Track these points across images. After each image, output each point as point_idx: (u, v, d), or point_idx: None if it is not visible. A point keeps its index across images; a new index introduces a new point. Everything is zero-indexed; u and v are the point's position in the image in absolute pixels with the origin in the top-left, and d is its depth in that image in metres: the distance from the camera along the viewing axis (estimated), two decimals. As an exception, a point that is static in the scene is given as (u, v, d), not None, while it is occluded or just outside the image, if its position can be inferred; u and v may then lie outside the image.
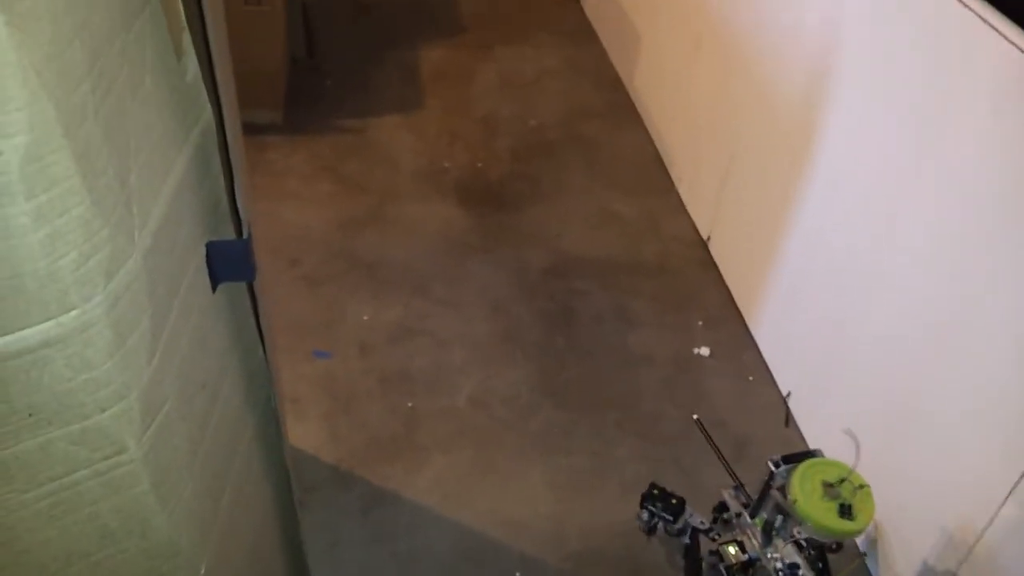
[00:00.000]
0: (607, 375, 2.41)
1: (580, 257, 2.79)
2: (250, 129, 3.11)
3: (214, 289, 1.01)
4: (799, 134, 2.20)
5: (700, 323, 2.60)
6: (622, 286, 2.69)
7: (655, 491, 1.76)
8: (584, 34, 3.89)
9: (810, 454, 1.54)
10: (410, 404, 2.29)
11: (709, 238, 2.84)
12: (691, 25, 2.86)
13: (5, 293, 0.67)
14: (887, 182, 1.89)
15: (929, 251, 1.76)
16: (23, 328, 0.68)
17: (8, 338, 0.68)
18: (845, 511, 1.42)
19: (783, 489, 1.50)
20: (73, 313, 0.70)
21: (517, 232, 2.86)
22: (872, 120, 1.94)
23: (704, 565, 1.70)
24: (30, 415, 0.72)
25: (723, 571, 1.62)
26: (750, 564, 1.60)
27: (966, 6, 1.60)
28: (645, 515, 1.76)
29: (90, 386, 0.73)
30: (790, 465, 1.51)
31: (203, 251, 0.97)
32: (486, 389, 2.34)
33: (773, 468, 1.52)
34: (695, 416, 2.27)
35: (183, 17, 0.91)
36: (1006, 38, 1.52)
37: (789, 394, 2.35)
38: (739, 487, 1.73)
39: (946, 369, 1.72)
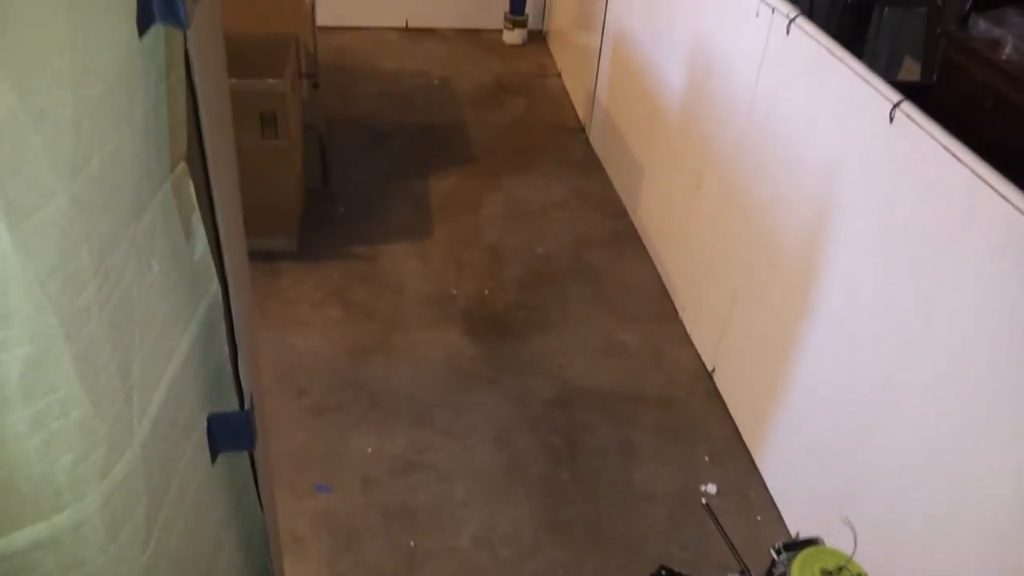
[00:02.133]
0: (612, 513, 2.37)
1: (584, 388, 2.79)
2: (264, 256, 3.17)
3: (213, 460, 1.02)
4: (800, 276, 2.23)
5: (706, 458, 2.57)
6: (627, 418, 2.68)
7: (663, 571, 1.80)
8: (590, 165, 3.99)
9: (811, 542, 1.56)
10: (412, 543, 2.25)
11: (714, 370, 2.84)
12: (693, 162, 2.94)
13: (-2, 497, 0.67)
14: (890, 326, 1.90)
15: (934, 392, 1.76)
16: (14, 531, 0.68)
17: (-1, 541, 0.69)
18: None
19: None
20: (65, 513, 0.70)
21: (522, 361, 2.87)
22: (872, 267, 1.96)
23: None
24: (18, 616, 0.72)
25: None
26: None
27: (964, 164, 1.64)
28: None
29: (80, 584, 0.73)
30: (791, 552, 1.54)
31: (204, 425, 0.98)
32: (489, 527, 2.30)
33: (775, 555, 1.56)
34: (703, 500, 2.23)
35: (194, 197, 0.94)
36: (1004, 198, 1.55)
37: (798, 535, 2.30)
38: (744, 571, 1.78)
39: (955, 508, 1.69)
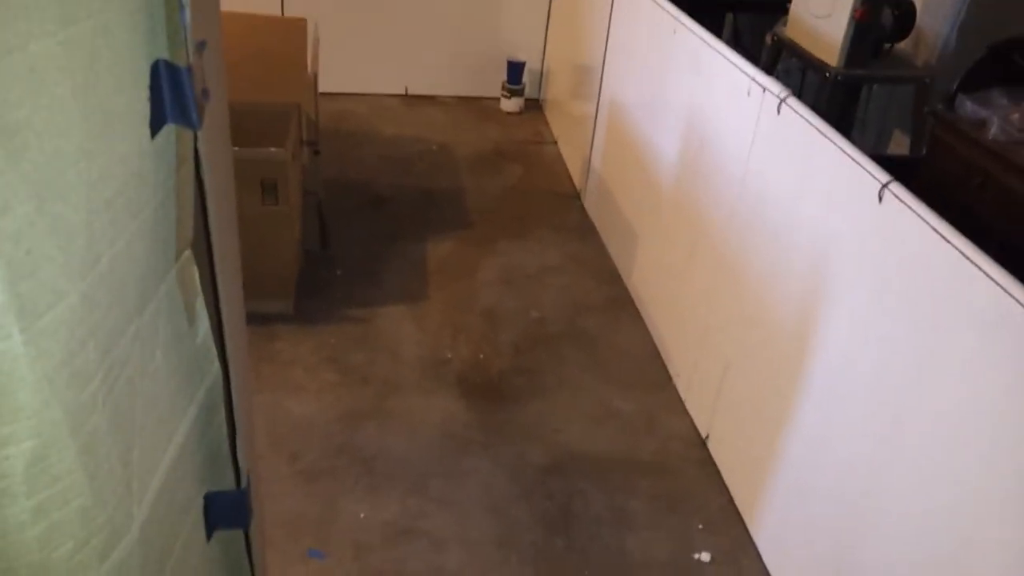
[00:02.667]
0: (606, 583, 2.36)
1: (579, 454, 2.80)
2: (260, 319, 3.20)
3: (209, 538, 1.03)
4: (792, 348, 2.26)
5: (700, 526, 2.56)
6: (621, 485, 2.68)
7: None
8: (585, 231, 4.05)
9: None
10: (403, 612, 2.23)
11: (708, 436, 2.85)
12: (686, 232, 2.99)
13: (-3, 586, 0.69)
14: (882, 401, 1.92)
15: (927, 466, 1.77)
16: (12, 620, 0.70)
17: (-4, 632, 0.70)
18: None
19: None
20: (64, 601, 0.71)
21: (517, 427, 2.88)
22: (865, 342, 1.99)
23: None
24: None
25: None
26: None
27: (952, 245, 1.68)
28: None
29: (74, 672, 0.74)
30: None
31: (200, 504, 0.99)
32: (481, 597, 2.29)
33: None
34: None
35: (198, 283, 0.97)
36: (991, 279, 1.59)
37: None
38: None
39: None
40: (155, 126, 0.78)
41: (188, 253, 0.93)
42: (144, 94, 0.76)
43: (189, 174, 0.89)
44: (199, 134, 0.85)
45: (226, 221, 1.06)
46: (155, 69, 0.77)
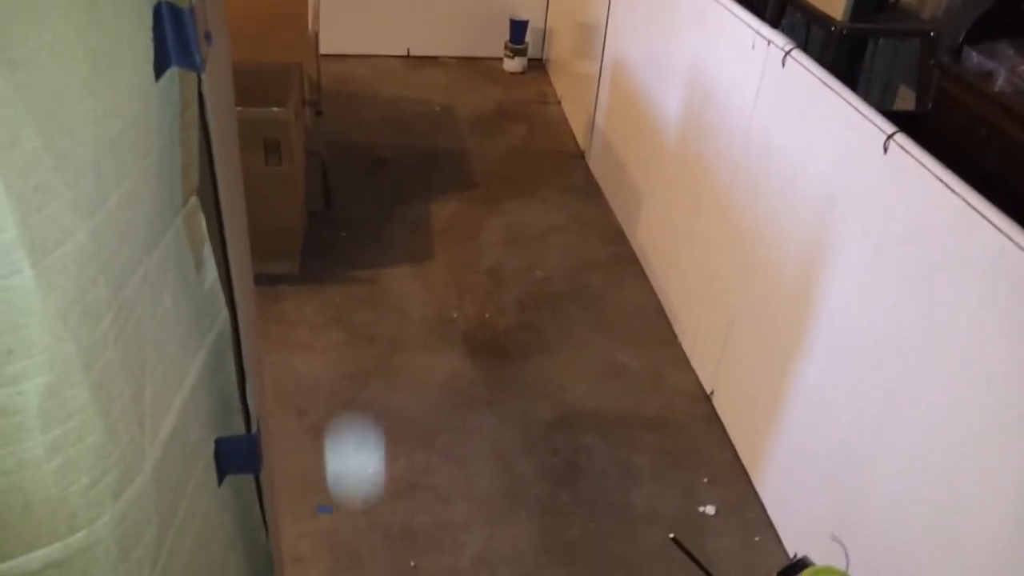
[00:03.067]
0: (611, 535, 2.39)
1: (584, 410, 2.82)
2: (266, 280, 3.21)
3: (220, 482, 1.05)
4: (797, 301, 2.26)
5: (705, 480, 2.59)
6: (626, 441, 2.70)
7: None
8: (589, 190, 4.04)
9: (802, 563, 1.64)
10: (413, 563, 2.27)
11: (713, 392, 2.86)
12: (691, 188, 2.98)
13: (13, 519, 0.70)
14: (886, 351, 1.93)
15: (931, 415, 1.79)
16: (28, 552, 0.71)
17: (12, 563, 0.71)
18: None
19: None
20: (80, 535, 0.73)
21: (523, 384, 2.90)
22: (869, 293, 2.00)
23: None
24: (30, 634, 0.75)
25: None
26: None
27: (957, 194, 1.68)
28: None
29: (91, 604, 0.76)
30: None
31: (211, 448, 1.01)
32: (489, 549, 2.32)
33: None
34: (671, 535, 2.26)
35: (205, 230, 0.98)
36: (996, 227, 1.59)
37: (795, 556, 2.32)
38: None
39: (952, 530, 1.71)
40: (159, 68, 0.79)
41: (194, 199, 0.94)
42: (147, 35, 0.77)
43: (193, 118, 0.89)
44: (203, 77, 0.85)
45: (231, 169, 1.06)
46: (158, 10, 0.77)
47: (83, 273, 0.69)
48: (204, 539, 0.98)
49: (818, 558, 2.20)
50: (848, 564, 1.56)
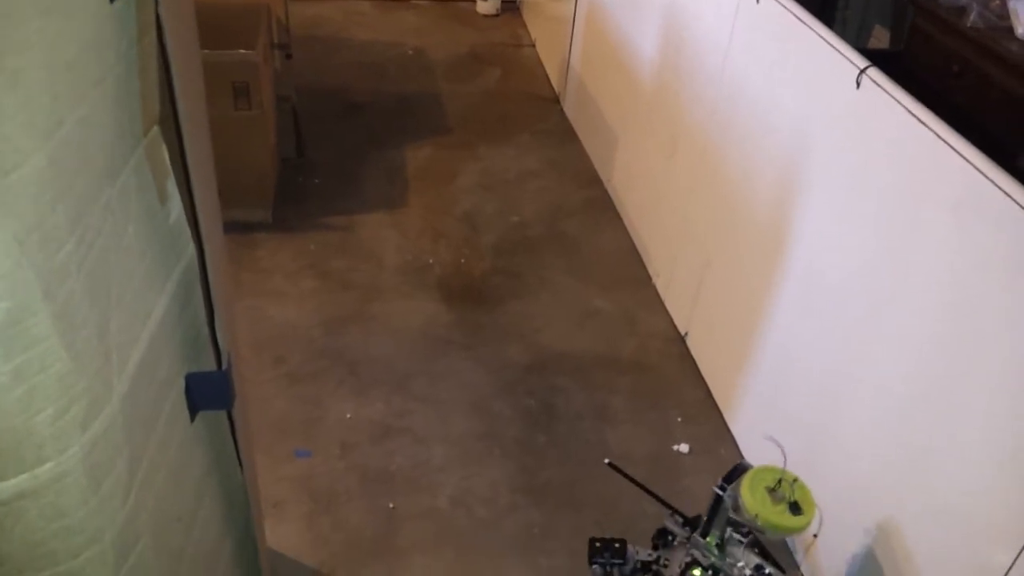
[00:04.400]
0: (586, 474, 2.42)
1: (560, 353, 2.83)
2: (239, 227, 3.18)
3: (192, 418, 1.04)
4: (770, 240, 2.27)
5: (679, 419, 2.62)
6: (601, 382, 2.73)
7: (597, 544, 1.94)
8: (564, 135, 4.01)
9: (742, 467, 1.74)
10: (391, 504, 2.29)
11: (687, 334, 2.89)
12: (666, 130, 2.97)
13: (-18, 449, 0.70)
14: (858, 286, 1.95)
15: (901, 350, 1.81)
16: (-2, 482, 0.71)
17: (-17, 492, 0.71)
18: (795, 507, 1.65)
19: (737, 510, 1.70)
20: (48, 465, 0.72)
21: (498, 328, 2.91)
22: (841, 229, 2.01)
23: None
24: (0, 565, 0.74)
25: None
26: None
27: (928, 128, 1.68)
28: (598, 570, 1.95)
29: (63, 534, 0.75)
30: (733, 483, 1.72)
31: (182, 383, 1.00)
32: (466, 489, 2.35)
33: (720, 492, 1.73)
34: (607, 460, 2.31)
35: (168, 162, 0.96)
36: (966, 159, 1.59)
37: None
38: (675, 512, 1.96)
39: (926, 472, 1.75)
40: (113, -11, 0.76)
41: (156, 130, 0.92)
42: (100, -46, 0.74)
43: (152, 45, 0.87)
44: (160, 1, 0.83)
45: (194, 102, 1.04)
46: (109, -73, 0.75)
47: (41, 198, 0.68)
48: (177, 473, 0.98)
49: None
50: (785, 463, 1.69)
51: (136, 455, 0.86)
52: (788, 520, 1.64)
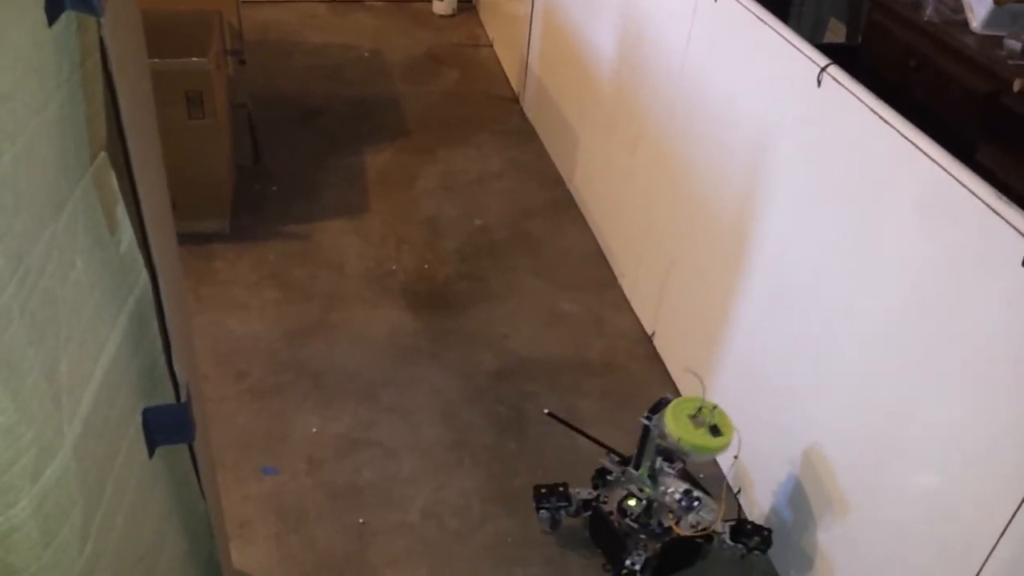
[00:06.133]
0: (559, 479, 2.39)
1: (528, 358, 2.81)
2: (196, 239, 3.10)
3: (151, 454, 1.00)
4: (734, 239, 2.26)
5: (650, 421, 2.61)
6: (570, 386, 2.71)
7: (542, 490, 2.12)
8: (525, 135, 3.98)
9: (666, 400, 1.96)
10: (361, 520, 2.24)
11: (654, 333, 2.88)
12: (627, 129, 2.95)
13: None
14: (823, 285, 1.95)
15: (867, 350, 1.81)
16: (-57, 543, 0.67)
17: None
18: (715, 431, 1.86)
19: (663, 437, 1.91)
20: (-3, 522, 0.68)
21: (465, 334, 2.87)
22: (805, 229, 2.00)
23: (615, 524, 2.05)
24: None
25: (631, 521, 2.03)
26: (650, 505, 2.01)
27: (890, 125, 1.68)
28: (544, 514, 2.12)
29: (15, 593, 0.71)
30: (658, 413, 1.94)
31: (139, 419, 0.96)
32: (437, 500, 2.31)
33: (647, 422, 1.95)
34: (546, 410, 2.42)
35: (116, 189, 0.91)
36: (928, 156, 1.59)
37: (739, 490, 2.36)
38: (611, 451, 2.16)
39: (896, 466, 1.75)
40: (52, 12, 0.72)
41: (103, 156, 0.88)
42: (35, -24, 0.70)
43: (96, 69, 0.82)
44: (102, 22, 0.78)
45: (143, 121, 1.00)
46: (45, -53, 0.70)
47: (-24, 243, 0.63)
48: (137, 514, 0.94)
49: (761, 483, 2.24)
50: (704, 392, 1.89)
51: (92, 500, 0.82)
52: (709, 441, 1.84)
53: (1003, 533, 1.47)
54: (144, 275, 0.97)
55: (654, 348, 2.85)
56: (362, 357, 2.75)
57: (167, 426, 0.99)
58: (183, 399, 1.01)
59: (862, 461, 1.84)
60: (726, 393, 2.41)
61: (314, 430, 2.48)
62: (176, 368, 1.00)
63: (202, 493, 1.14)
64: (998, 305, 1.47)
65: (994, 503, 1.49)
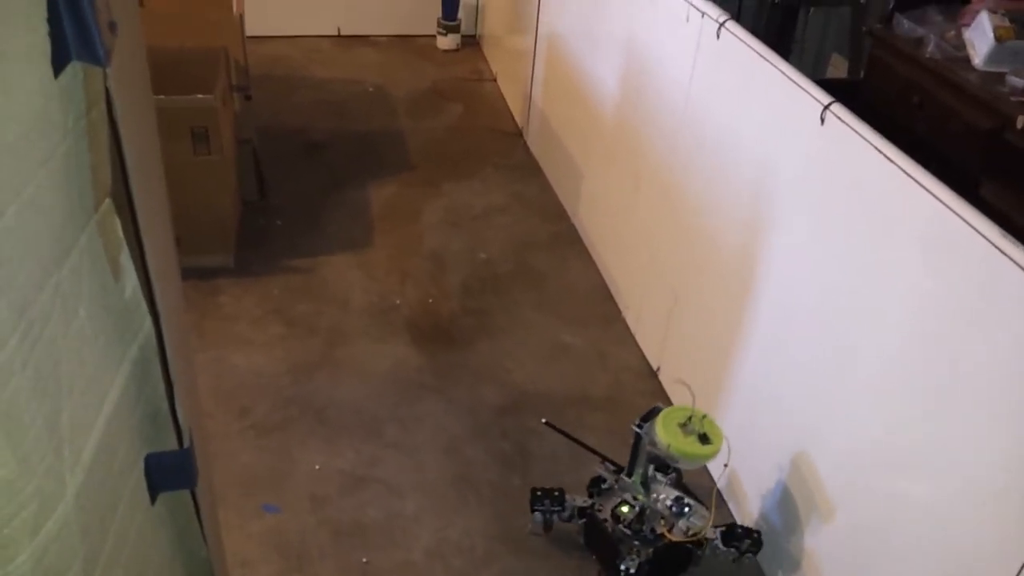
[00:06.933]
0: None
1: (533, 392, 2.79)
2: (201, 273, 3.11)
3: (153, 501, 0.99)
4: (738, 275, 2.26)
5: (655, 457, 2.59)
6: (575, 421, 2.69)
7: (538, 493, 2.15)
8: (529, 169, 4.00)
9: (657, 408, 2.00)
10: (365, 560, 2.22)
11: (659, 368, 2.86)
12: (630, 164, 2.96)
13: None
14: (828, 323, 1.94)
15: (874, 387, 1.80)
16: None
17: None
18: (704, 439, 1.90)
19: (653, 444, 1.94)
20: (-4, 577, 0.67)
21: (469, 369, 2.86)
22: (809, 266, 2.00)
23: (609, 530, 2.08)
24: None
25: (625, 527, 2.05)
26: (642, 512, 2.04)
27: (894, 163, 1.68)
28: (538, 516, 2.15)
29: (13, 650, 0.70)
30: (649, 422, 1.98)
31: (141, 466, 0.95)
32: (441, 539, 2.29)
33: (638, 430, 2.00)
34: (544, 420, 2.41)
35: (121, 235, 0.91)
36: (932, 194, 1.59)
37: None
38: (606, 460, 2.21)
39: (904, 503, 1.73)
40: (58, 63, 0.72)
41: (108, 203, 0.87)
42: (43, 28, 0.70)
43: (101, 117, 0.82)
44: (108, 72, 0.79)
45: (148, 169, 1.00)
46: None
47: (-22, 299, 0.63)
48: (139, 562, 0.92)
49: (770, 522, 2.22)
50: (694, 401, 1.93)
51: (94, 551, 0.81)
52: (698, 449, 1.88)
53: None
54: (148, 321, 0.96)
55: (659, 383, 2.84)
56: (366, 392, 2.74)
57: (170, 472, 0.98)
58: (186, 444, 1.00)
59: (868, 484, 1.83)
60: (733, 426, 2.40)
61: (317, 467, 2.47)
62: (179, 413, 1.00)
63: (204, 538, 1.12)
64: (1002, 341, 1.46)
65: (982, 514, 1.47)
